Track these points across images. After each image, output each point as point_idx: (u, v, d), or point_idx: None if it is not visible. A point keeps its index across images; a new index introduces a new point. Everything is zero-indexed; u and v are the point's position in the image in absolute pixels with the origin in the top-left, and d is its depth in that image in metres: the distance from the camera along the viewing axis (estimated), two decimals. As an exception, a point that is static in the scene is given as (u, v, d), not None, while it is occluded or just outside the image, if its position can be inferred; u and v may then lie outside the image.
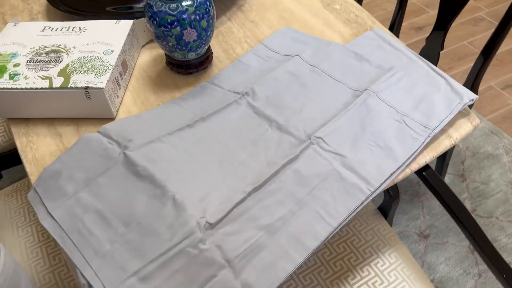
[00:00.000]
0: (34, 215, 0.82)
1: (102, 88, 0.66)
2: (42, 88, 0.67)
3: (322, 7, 0.91)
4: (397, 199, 0.76)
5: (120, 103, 0.73)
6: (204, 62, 0.78)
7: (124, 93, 0.75)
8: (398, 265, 0.72)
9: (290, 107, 0.68)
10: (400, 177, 0.61)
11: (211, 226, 0.52)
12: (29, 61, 0.70)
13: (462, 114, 0.68)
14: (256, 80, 0.73)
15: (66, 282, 0.74)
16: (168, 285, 0.49)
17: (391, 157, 0.61)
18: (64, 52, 0.72)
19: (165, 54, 0.78)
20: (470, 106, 0.88)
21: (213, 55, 0.81)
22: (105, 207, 0.54)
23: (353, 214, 0.57)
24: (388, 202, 0.78)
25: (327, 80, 0.72)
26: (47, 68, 0.69)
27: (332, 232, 0.55)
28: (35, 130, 0.70)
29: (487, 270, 1.10)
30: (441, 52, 1.16)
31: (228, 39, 0.85)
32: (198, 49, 0.73)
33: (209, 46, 0.78)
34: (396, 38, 0.80)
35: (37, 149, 0.68)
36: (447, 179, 1.28)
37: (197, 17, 0.69)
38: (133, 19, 0.79)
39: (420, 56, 0.75)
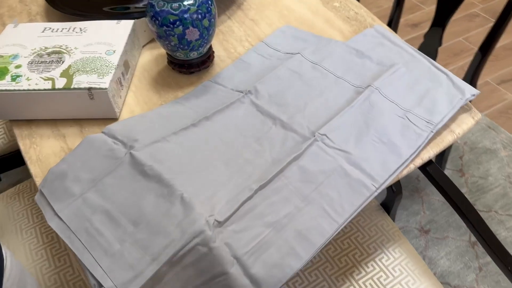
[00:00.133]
0: (37, 217, 0.81)
1: (105, 88, 0.66)
2: (45, 90, 0.66)
3: (322, 4, 0.91)
4: (400, 194, 0.77)
5: (123, 103, 0.73)
6: (205, 61, 0.78)
7: (127, 93, 0.75)
8: (403, 260, 0.72)
9: (293, 105, 0.68)
10: (405, 172, 0.62)
11: (220, 224, 0.52)
12: (30, 63, 0.70)
13: (464, 109, 0.68)
14: (258, 79, 0.73)
15: (71, 283, 0.73)
16: (178, 280, 0.50)
17: (395, 153, 0.61)
18: (66, 53, 0.71)
19: (167, 53, 0.78)
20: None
21: (214, 54, 0.81)
22: (113, 207, 0.54)
23: (358, 210, 0.57)
24: (391, 197, 0.78)
25: (329, 77, 0.72)
26: (49, 69, 0.69)
27: (338, 229, 0.56)
28: (38, 131, 0.70)
29: (487, 264, 1.11)
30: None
31: (229, 38, 0.85)
32: (200, 48, 0.73)
33: (211, 45, 0.78)
34: (396, 34, 0.80)
35: (41, 150, 0.68)
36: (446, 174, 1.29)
37: (199, 16, 0.69)
38: (131, 19, 0.79)
39: (420, 52, 0.75)
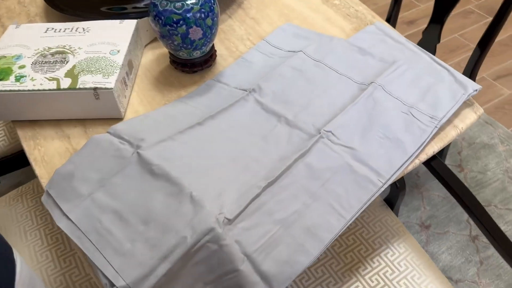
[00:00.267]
0: (41, 218, 0.81)
1: (111, 88, 0.66)
2: (50, 90, 0.66)
3: (321, 2, 0.91)
4: (404, 190, 0.78)
5: (128, 103, 0.73)
6: (208, 60, 0.78)
7: (131, 93, 0.75)
8: (408, 254, 0.73)
9: (298, 102, 0.69)
10: (410, 167, 0.62)
11: (229, 221, 0.53)
12: (34, 63, 0.69)
13: (466, 104, 0.69)
14: (261, 77, 0.73)
15: (78, 284, 0.73)
16: (189, 277, 0.50)
17: (401, 149, 0.62)
18: (70, 53, 0.71)
19: (169, 53, 0.78)
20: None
21: (216, 53, 0.81)
22: (123, 206, 0.55)
23: (365, 206, 0.58)
24: (395, 193, 0.79)
25: (331, 74, 0.73)
26: (54, 69, 0.69)
27: (346, 225, 0.56)
28: (42, 132, 0.70)
29: (488, 258, 1.12)
30: (434, 45, 1.17)
31: (230, 37, 0.85)
32: (203, 47, 0.74)
33: (213, 44, 0.78)
34: (397, 31, 0.81)
35: (46, 151, 0.67)
36: (445, 169, 1.29)
37: (202, 15, 0.69)
38: (129, 19, 0.79)
39: (421, 49, 0.76)
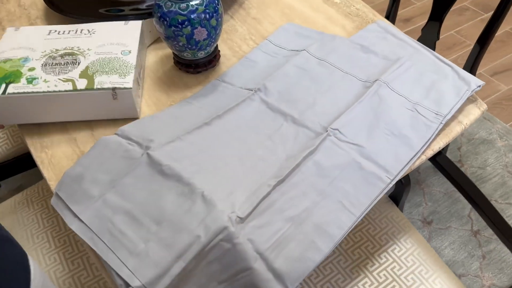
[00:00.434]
0: (48, 221, 0.81)
1: (130, 88, 0.65)
2: (66, 91, 0.65)
3: (322, 1, 0.92)
4: (408, 186, 0.78)
5: (141, 103, 0.73)
6: (212, 60, 0.78)
7: (142, 93, 0.75)
8: (414, 250, 0.74)
9: (303, 101, 0.69)
10: (417, 163, 0.63)
11: (241, 220, 0.53)
12: (44, 65, 0.68)
13: (469, 100, 0.70)
14: (266, 76, 0.73)
15: (87, 286, 0.73)
16: (203, 275, 0.50)
17: (407, 145, 0.62)
18: (79, 54, 0.70)
19: (173, 54, 0.78)
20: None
21: (220, 53, 0.81)
22: (134, 207, 0.55)
23: (374, 202, 0.59)
24: (400, 189, 0.80)
25: (335, 72, 0.73)
26: (66, 70, 0.68)
27: (355, 221, 0.57)
28: (48, 135, 0.70)
29: (490, 252, 1.13)
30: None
31: (233, 37, 0.86)
32: (207, 47, 0.74)
33: (217, 44, 0.79)
34: (398, 29, 0.82)
35: (53, 154, 0.68)
36: (445, 165, 1.31)
37: (207, 16, 0.69)
38: (125, 21, 0.79)
39: (424, 46, 0.77)
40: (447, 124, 0.67)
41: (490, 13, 1.87)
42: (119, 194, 0.56)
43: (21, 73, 0.68)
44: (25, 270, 0.48)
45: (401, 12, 1.94)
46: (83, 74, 0.67)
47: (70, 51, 0.71)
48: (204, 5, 0.69)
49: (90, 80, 0.66)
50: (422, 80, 0.70)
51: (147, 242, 0.52)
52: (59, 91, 0.65)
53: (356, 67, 0.73)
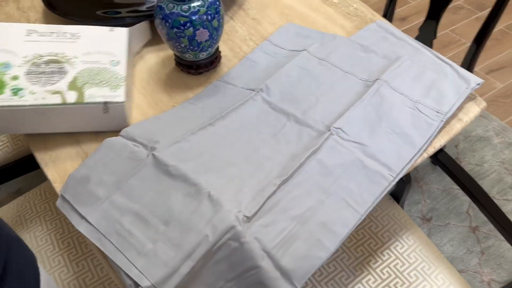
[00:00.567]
0: (51, 224, 0.81)
1: (122, 102, 0.64)
2: (54, 105, 0.62)
3: (321, 1, 0.93)
4: (409, 184, 0.79)
5: (131, 114, 0.72)
6: (213, 61, 0.79)
7: (131, 104, 0.73)
8: (416, 246, 0.74)
9: (305, 101, 0.70)
10: (419, 161, 0.64)
11: (248, 219, 0.54)
12: (28, 73, 0.65)
13: (469, 98, 0.71)
14: (267, 76, 0.74)
15: (92, 287, 0.74)
16: (211, 274, 0.51)
17: (409, 143, 0.63)
18: (66, 62, 0.67)
19: (175, 55, 0.79)
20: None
21: (221, 54, 0.82)
22: (141, 207, 0.55)
23: (378, 200, 0.59)
24: (401, 187, 0.80)
25: (336, 72, 0.74)
26: (53, 81, 0.64)
27: (360, 219, 0.57)
28: (52, 137, 0.70)
29: (489, 248, 1.15)
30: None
31: (233, 38, 0.86)
32: (209, 48, 0.74)
33: (218, 45, 0.79)
34: (397, 29, 0.82)
35: (57, 156, 0.68)
36: (443, 163, 1.32)
37: (209, 17, 0.70)
38: (122, 23, 0.77)
39: (423, 45, 0.77)
40: (447, 122, 0.68)
41: (484, 12, 1.90)
42: (125, 195, 0.57)
43: (4, 82, 0.63)
44: (35, 271, 0.49)
45: (397, 11, 1.96)
46: (72, 86, 0.64)
47: (54, 57, 0.67)
48: (205, 6, 0.69)
49: (80, 92, 0.64)
50: (423, 79, 0.71)
51: (155, 242, 0.52)
52: (47, 104, 0.62)
53: (357, 66, 0.74)
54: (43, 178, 1.20)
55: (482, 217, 1.21)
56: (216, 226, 0.52)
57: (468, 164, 1.33)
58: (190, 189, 0.56)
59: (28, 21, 0.94)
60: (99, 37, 0.72)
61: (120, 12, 0.89)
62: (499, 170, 1.32)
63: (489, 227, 1.18)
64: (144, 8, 0.89)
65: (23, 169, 1.04)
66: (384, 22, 0.84)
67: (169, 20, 0.69)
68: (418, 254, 0.74)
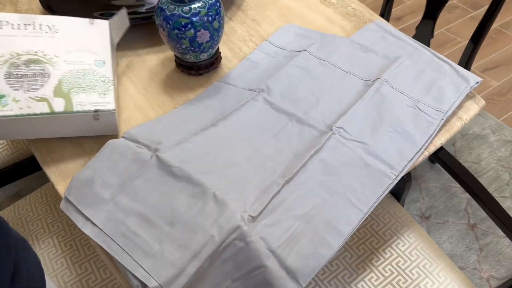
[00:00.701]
0: (53, 226, 0.81)
1: (113, 110, 0.61)
2: (42, 114, 0.58)
3: (319, 2, 0.93)
4: (410, 182, 0.80)
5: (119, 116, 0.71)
6: (214, 62, 0.79)
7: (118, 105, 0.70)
8: (418, 244, 0.75)
9: (306, 101, 0.70)
10: (420, 159, 0.64)
11: (253, 219, 0.54)
12: (7, 76, 0.58)
13: (468, 96, 0.72)
14: (268, 77, 0.74)
15: (95, 289, 0.74)
16: (218, 274, 0.51)
17: (410, 141, 0.64)
18: (47, 62, 0.61)
19: (175, 56, 0.79)
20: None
21: (221, 55, 0.82)
22: (146, 209, 0.55)
23: (381, 198, 0.60)
24: (401, 185, 0.81)
25: (337, 72, 0.74)
26: (36, 85, 0.59)
27: (363, 217, 0.58)
28: (54, 140, 0.70)
29: (487, 244, 1.16)
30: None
31: (233, 39, 0.86)
32: (210, 49, 0.75)
33: (218, 46, 0.79)
34: (396, 28, 0.83)
35: (59, 159, 0.68)
36: (440, 161, 1.33)
37: (209, 19, 0.70)
38: (112, 13, 0.74)
39: (422, 44, 0.78)
40: (447, 120, 0.68)
41: (479, 11, 1.91)
42: (130, 197, 0.57)
43: None
44: (41, 271, 0.49)
45: (392, 11, 1.97)
46: (57, 92, 0.60)
47: (34, 56, 0.61)
48: (206, 7, 0.70)
49: (67, 99, 0.60)
50: (422, 78, 0.71)
51: (161, 243, 0.52)
52: (34, 114, 0.58)
53: (357, 66, 0.75)
54: (42, 180, 1.20)
55: (480, 214, 1.22)
56: (222, 226, 0.52)
57: (465, 162, 1.34)
58: (194, 189, 0.56)
59: (27, 24, 0.93)
60: (79, 31, 0.66)
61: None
62: (496, 168, 1.33)
63: (487, 224, 1.19)
64: (143, 9, 0.89)
65: (22, 172, 1.04)
66: (383, 21, 0.84)
67: (170, 22, 0.69)
68: (420, 251, 0.74)
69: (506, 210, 1.22)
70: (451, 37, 1.82)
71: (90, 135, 0.67)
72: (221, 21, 0.73)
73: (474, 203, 1.22)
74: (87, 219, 0.56)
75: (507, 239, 1.16)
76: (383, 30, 0.82)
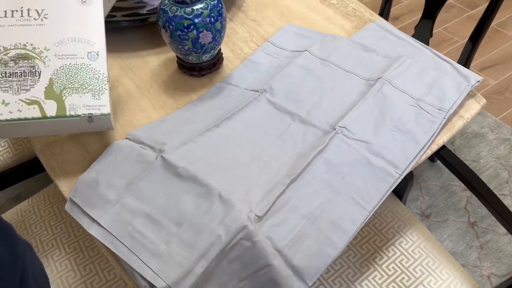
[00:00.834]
0: (56, 228, 0.81)
1: (108, 114, 0.58)
2: (33, 119, 0.55)
3: (319, 2, 0.94)
4: (411, 180, 0.80)
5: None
6: (216, 63, 0.79)
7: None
8: (420, 242, 0.76)
9: (309, 101, 0.70)
10: (423, 158, 0.65)
11: (259, 218, 0.54)
12: None
13: (469, 95, 0.72)
14: (270, 77, 0.75)
15: (100, 291, 0.74)
16: (225, 273, 0.51)
17: (413, 140, 0.64)
18: (36, 57, 0.57)
19: (177, 57, 0.79)
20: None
21: (223, 56, 0.82)
22: (153, 209, 0.56)
23: (385, 197, 0.60)
24: (403, 184, 0.82)
25: (338, 72, 0.75)
26: (26, 86, 0.55)
27: (368, 216, 0.58)
28: (57, 142, 0.70)
29: (487, 242, 1.16)
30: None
31: (234, 40, 0.87)
32: (212, 50, 0.75)
33: (220, 47, 0.80)
34: (396, 28, 0.84)
35: (63, 161, 0.68)
36: (440, 160, 1.34)
37: (212, 20, 0.70)
38: (118, 27, 0.71)
39: (423, 44, 0.79)
40: (449, 119, 0.69)
41: (475, 10, 1.92)
42: (136, 198, 0.57)
43: None
44: (45, 275, 0.49)
45: (390, 10, 1.98)
46: (48, 93, 0.56)
47: (23, 51, 0.57)
48: (208, 9, 0.70)
49: (60, 102, 0.56)
50: (423, 77, 0.72)
51: (168, 243, 0.52)
52: (26, 119, 0.55)
53: (358, 66, 0.75)
54: (43, 182, 1.20)
55: (480, 212, 1.23)
56: (228, 226, 0.52)
57: (464, 161, 1.35)
58: (200, 190, 0.56)
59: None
60: (69, 14, 0.60)
61: (114, 16, 0.89)
62: (495, 166, 1.34)
63: (487, 222, 1.20)
64: (144, 11, 0.89)
65: (24, 174, 1.04)
66: (383, 21, 0.85)
67: (173, 23, 0.69)
68: (422, 249, 0.75)
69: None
70: (448, 36, 1.83)
71: (85, 132, 0.65)
72: (223, 22, 0.73)
73: (473, 201, 1.23)
74: (93, 220, 0.57)
75: (507, 237, 1.16)
76: (383, 29, 0.82)
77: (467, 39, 1.05)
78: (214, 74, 0.80)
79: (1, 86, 0.55)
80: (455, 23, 1.90)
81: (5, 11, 0.59)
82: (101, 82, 0.59)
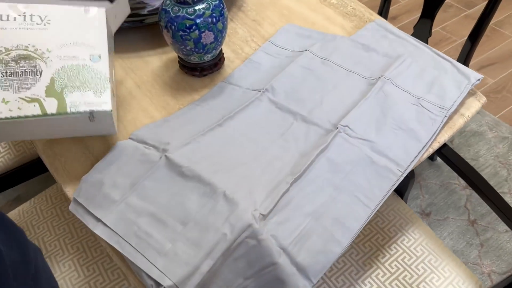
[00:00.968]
0: (59, 229, 0.81)
1: (109, 110, 0.57)
2: (34, 116, 0.54)
3: (319, 2, 0.94)
4: (413, 179, 0.81)
5: (117, 116, 0.67)
6: (217, 63, 0.80)
7: (116, 102, 0.66)
8: (422, 240, 0.76)
9: (310, 100, 0.71)
10: (425, 156, 0.65)
11: (264, 217, 0.55)
12: None
13: (469, 93, 0.73)
14: (272, 77, 0.75)
15: (103, 291, 0.74)
16: (230, 272, 0.52)
17: (415, 139, 0.65)
18: (38, 58, 0.57)
19: (179, 57, 0.79)
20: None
21: (224, 56, 0.82)
22: (158, 209, 0.56)
23: (388, 195, 0.61)
24: (404, 182, 0.82)
25: (339, 71, 0.75)
26: (27, 84, 0.55)
27: (371, 214, 0.59)
28: (59, 143, 0.70)
29: (487, 240, 1.17)
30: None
31: (235, 40, 0.87)
32: (213, 50, 0.75)
33: (221, 47, 0.80)
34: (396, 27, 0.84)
35: (66, 161, 0.68)
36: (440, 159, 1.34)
37: (214, 20, 0.71)
38: (119, 28, 0.71)
39: (423, 43, 0.79)
40: (450, 117, 0.69)
41: (473, 9, 1.93)
42: (141, 197, 0.57)
43: None
44: (53, 277, 0.49)
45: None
46: (49, 91, 0.56)
47: (24, 52, 0.57)
48: (210, 9, 0.70)
49: (60, 99, 0.56)
50: (424, 76, 0.72)
51: (174, 242, 0.53)
52: (25, 116, 0.54)
53: (359, 65, 0.76)
54: (43, 184, 1.20)
55: (480, 210, 1.23)
56: (233, 224, 0.52)
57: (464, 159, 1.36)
58: (205, 189, 0.56)
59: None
60: (73, 22, 0.61)
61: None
62: (494, 164, 1.34)
63: (487, 220, 1.20)
64: (145, 12, 0.90)
65: (25, 176, 1.04)
66: (383, 21, 0.85)
67: (175, 24, 0.70)
68: (424, 247, 0.75)
69: (505, 206, 1.24)
70: (446, 35, 1.84)
71: (86, 135, 0.64)
72: (225, 22, 0.74)
73: (473, 199, 1.23)
74: (98, 220, 0.57)
75: (507, 234, 1.17)
76: (383, 29, 0.83)
77: (465, 38, 1.05)
78: (216, 74, 0.80)
79: (2, 85, 0.55)
80: (452, 22, 1.91)
81: (8, 15, 0.59)
82: (103, 81, 0.59)
